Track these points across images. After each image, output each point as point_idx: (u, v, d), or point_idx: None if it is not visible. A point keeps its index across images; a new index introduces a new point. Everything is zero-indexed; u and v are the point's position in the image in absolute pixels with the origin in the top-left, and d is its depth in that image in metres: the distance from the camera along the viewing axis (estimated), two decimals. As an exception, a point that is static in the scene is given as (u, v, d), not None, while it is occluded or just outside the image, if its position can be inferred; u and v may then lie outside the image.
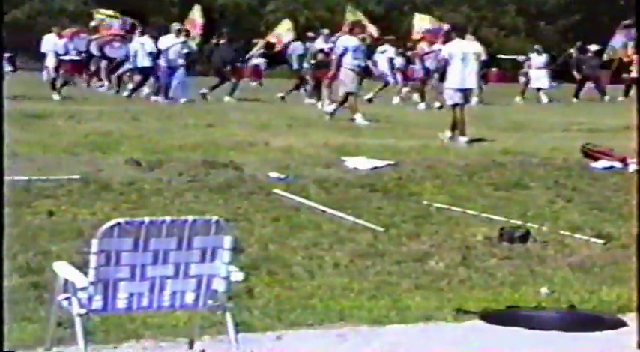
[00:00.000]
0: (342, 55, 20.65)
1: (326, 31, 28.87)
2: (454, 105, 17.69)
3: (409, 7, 51.45)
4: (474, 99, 23.63)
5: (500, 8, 60.32)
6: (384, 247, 8.70)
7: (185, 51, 26.58)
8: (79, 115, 19.85)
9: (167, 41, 26.59)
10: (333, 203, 10.61)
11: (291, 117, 21.31)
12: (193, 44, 29.49)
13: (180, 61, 26.04)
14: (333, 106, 21.13)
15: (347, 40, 21.21)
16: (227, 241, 4.93)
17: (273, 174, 12.38)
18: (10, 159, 12.66)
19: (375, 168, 13.34)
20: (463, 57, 17.36)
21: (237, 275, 5.03)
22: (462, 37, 18.41)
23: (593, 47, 33.10)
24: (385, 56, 29.86)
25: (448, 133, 17.57)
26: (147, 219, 4.81)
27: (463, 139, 17.05)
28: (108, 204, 10.23)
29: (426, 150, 15.76)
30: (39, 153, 13.66)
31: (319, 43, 27.90)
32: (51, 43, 29.02)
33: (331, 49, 23.92)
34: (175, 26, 27.79)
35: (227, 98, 26.69)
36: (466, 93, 18.03)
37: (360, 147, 15.24)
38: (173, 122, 19.51)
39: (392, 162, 13.74)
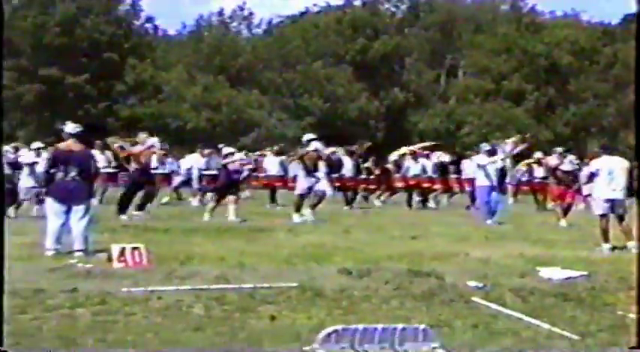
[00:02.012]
0: None
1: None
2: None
3: None
4: None
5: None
6: (580, 354, 8.55)
7: None
8: (296, 229, 20.18)
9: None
10: (529, 311, 10.45)
11: (488, 230, 21.19)
12: None
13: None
14: None
15: None
16: (435, 347, 4.96)
17: (472, 283, 12.28)
18: (238, 268, 13.08)
19: (569, 278, 13.14)
20: None
21: (443, 379, 5.05)
22: None
23: None
24: None
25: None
26: (361, 327, 4.89)
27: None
28: (322, 309, 10.28)
29: (619, 262, 15.47)
30: (263, 264, 13.91)
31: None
32: None
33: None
34: None
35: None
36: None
37: (553, 258, 15.04)
38: (380, 234, 19.66)
39: (585, 273, 13.51)
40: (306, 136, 25.45)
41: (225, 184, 23.26)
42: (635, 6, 5.83)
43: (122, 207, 21.98)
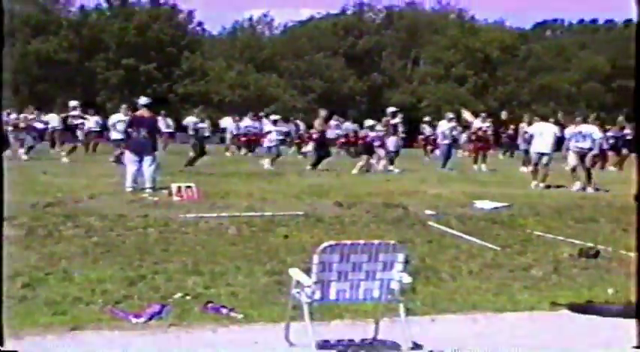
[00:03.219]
0: None
1: None
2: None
3: None
4: None
5: None
6: (501, 260, 8.55)
7: None
8: (303, 174, 20.16)
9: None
10: (468, 231, 10.49)
11: (440, 174, 21.15)
12: None
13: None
14: None
15: None
16: (400, 257, 4.95)
17: (428, 212, 12.32)
18: (261, 201, 13.05)
19: (496, 207, 13.16)
20: None
21: (407, 279, 5.03)
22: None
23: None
24: None
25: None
26: (348, 242, 4.87)
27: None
28: (321, 231, 10.33)
29: (531, 196, 15.48)
30: (279, 198, 13.91)
31: None
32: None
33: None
34: None
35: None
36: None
37: (485, 194, 15.04)
38: (363, 177, 19.63)
39: (507, 204, 13.52)
40: (390, 109, 24.70)
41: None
42: (635, 6, 5.70)
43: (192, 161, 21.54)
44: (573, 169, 17.54)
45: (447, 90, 60.50)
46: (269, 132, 23.51)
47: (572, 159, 17.47)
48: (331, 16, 67.64)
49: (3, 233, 4.66)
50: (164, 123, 28.29)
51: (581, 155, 17.26)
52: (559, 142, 18.51)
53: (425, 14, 68.37)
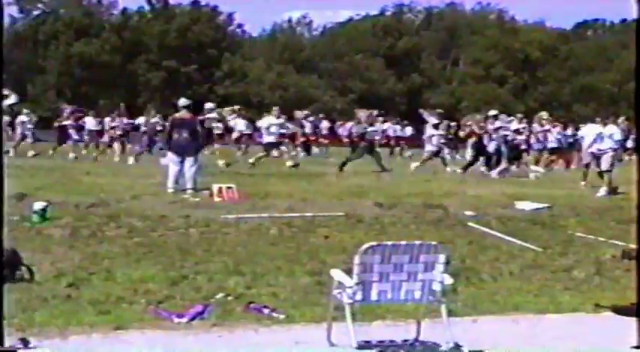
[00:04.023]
0: None
1: None
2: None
3: None
4: None
5: None
6: (542, 262, 8.46)
7: None
8: (342, 175, 20.12)
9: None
10: (508, 232, 10.41)
11: (479, 175, 21.00)
12: None
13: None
14: None
15: None
16: (442, 258, 4.92)
17: (468, 212, 12.25)
18: (301, 202, 13.08)
19: (537, 209, 13.04)
20: None
21: (448, 280, 4.99)
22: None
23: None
24: None
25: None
26: (389, 243, 4.85)
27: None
28: (361, 231, 10.31)
29: (572, 197, 15.32)
30: (319, 199, 13.92)
31: None
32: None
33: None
34: None
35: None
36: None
37: (526, 195, 14.91)
38: (404, 177, 19.57)
39: (548, 205, 13.40)
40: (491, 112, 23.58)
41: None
42: (635, 6, 5.57)
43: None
44: (587, 165, 17.74)
45: (487, 91, 60.24)
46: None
47: (586, 157, 17.64)
48: (370, 17, 67.67)
49: (3, 233, 4.69)
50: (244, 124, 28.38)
51: (597, 156, 17.02)
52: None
53: (464, 15, 68.15)
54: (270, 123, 22.30)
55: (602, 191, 16.30)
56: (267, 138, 22.34)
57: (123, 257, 8.09)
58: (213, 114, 22.18)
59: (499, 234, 10.21)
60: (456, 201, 13.95)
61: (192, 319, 5.76)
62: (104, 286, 6.73)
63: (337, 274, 5.11)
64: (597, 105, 55.24)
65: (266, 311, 5.98)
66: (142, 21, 59.25)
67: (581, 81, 62.14)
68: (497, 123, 21.86)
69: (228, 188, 13.58)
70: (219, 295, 6.44)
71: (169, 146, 15.35)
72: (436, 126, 22.87)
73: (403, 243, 4.87)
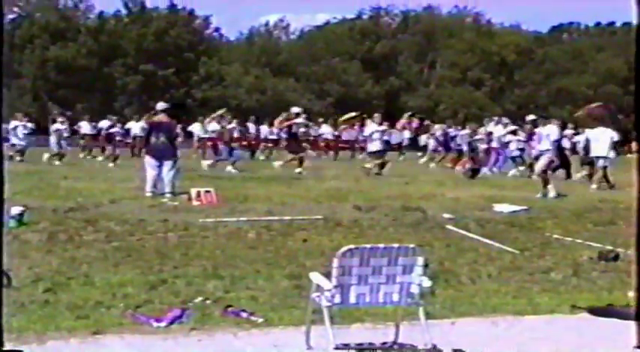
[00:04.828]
0: None
1: None
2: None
3: None
4: None
5: None
6: (520, 264, 8.50)
7: None
8: (321, 178, 20.14)
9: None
10: (486, 234, 10.45)
11: (457, 177, 21.11)
12: None
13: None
14: None
15: None
16: (420, 260, 4.93)
17: (446, 215, 12.29)
18: (280, 205, 13.06)
19: (515, 211, 13.11)
20: None
21: (427, 282, 5.00)
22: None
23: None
24: None
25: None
26: (368, 246, 4.86)
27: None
28: (340, 234, 10.31)
29: (548, 200, 15.42)
30: (297, 202, 13.92)
31: None
32: None
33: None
34: None
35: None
36: None
37: (504, 197, 14.98)
38: (382, 180, 19.61)
39: (526, 207, 13.48)
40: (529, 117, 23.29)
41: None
42: (635, 7, 5.56)
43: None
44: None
45: (464, 94, 60.51)
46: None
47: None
48: (347, 21, 67.78)
49: (3, 235, 4.65)
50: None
51: (537, 157, 17.35)
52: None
53: (441, 18, 68.38)
54: (373, 130, 22.07)
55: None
56: (372, 146, 22.15)
57: (101, 261, 8.05)
58: (300, 119, 22.32)
59: (477, 237, 10.25)
60: (434, 203, 14.00)
61: (171, 323, 5.74)
62: (82, 291, 6.70)
63: (316, 277, 5.11)
64: (573, 107, 55.50)
65: (244, 314, 5.98)
66: (119, 25, 58.97)
67: (557, 83, 62.58)
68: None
69: (207, 192, 13.56)
70: (198, 299, 6.43)
71: (147, 150, 15.32)
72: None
73: (381, 245, 4.88)
